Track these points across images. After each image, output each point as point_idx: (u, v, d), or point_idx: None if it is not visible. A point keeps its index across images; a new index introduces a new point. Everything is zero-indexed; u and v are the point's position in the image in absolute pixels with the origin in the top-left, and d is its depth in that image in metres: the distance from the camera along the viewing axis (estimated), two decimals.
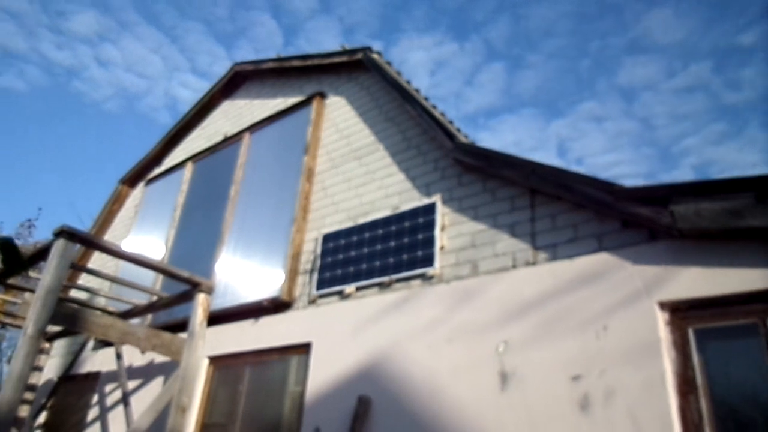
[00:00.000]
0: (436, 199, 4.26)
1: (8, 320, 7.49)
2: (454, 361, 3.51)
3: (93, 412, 6.27)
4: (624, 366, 2.83)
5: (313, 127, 5.82)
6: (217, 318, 5.33)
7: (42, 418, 6.92)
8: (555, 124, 33.65)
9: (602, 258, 3.19)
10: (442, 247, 4.03)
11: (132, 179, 8.94)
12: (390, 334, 3.95)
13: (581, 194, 3.35)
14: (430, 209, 4.24)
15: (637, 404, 2.71)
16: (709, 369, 2.64)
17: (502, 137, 32.47)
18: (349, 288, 4.44)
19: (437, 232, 4.08)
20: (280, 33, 37.32)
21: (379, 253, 4.38)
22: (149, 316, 6.18)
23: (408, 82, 5.40)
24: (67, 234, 4.08)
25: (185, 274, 4.85)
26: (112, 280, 5.26)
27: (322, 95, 6.09)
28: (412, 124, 4.91)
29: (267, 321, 4.98)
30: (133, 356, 6.04)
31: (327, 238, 4.90)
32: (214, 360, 5.29)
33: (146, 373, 5.85)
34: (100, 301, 6.77)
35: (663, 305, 2.86)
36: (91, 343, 7.03)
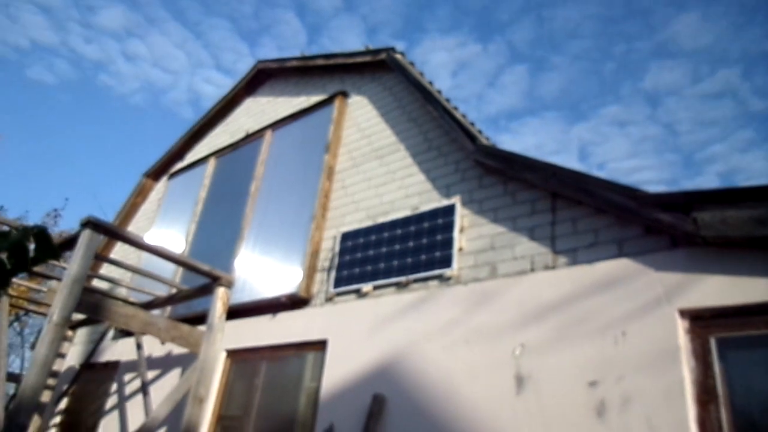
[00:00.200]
0: (456, 200, 4.26)
1: (32, 307, 7.68)
2: (471, 363, 3.52)
3: (112, 400, 6.40)
4: (642, 373, 2.81)
5: (334, 125, 5.86)
6: (235, 312, 5.40)
7: (63, 404, 7.08)
8: (577, 128, 33.33)
9: (623, 264, 3.17)
10: (460, 249, 4.04)
11: (156, 173, 9.09)
12: (406, 333, 3.97)
13: (603, 199, 3.33)
14: (449, 210, 4.25)
15: (654, 412, 2.69)
16: (729, 378, 2.60)
17: (524, 140, 32.26)
18: (366, 287, 4.47)
19: (456, 233, 4.09)
20: (303, 31, 37.57)
21: (398, 253, 4.40)
22: (168, 308, 6.28)
23: (430, 83, 5.41)
24: (93, 225, 4.18)
25: (206, 267, 4.93)
26: (135, 270, 5.36)
27: (345, 94, 6.12)
28: (433, 125, 4.92)
29: (284, 317, 5.03)
30: (153, 347, 6.15)
31: (346, 236, 4.93)
32: (232, 353, 5.36)
33: (165, 364, 5.95)
34: (122, 292, 6.90)
35: (683, 313, 2.83)
36: (111, 333, 7.17)
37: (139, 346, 5.68)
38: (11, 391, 8.80)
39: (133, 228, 8.88)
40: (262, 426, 4.69)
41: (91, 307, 4.29)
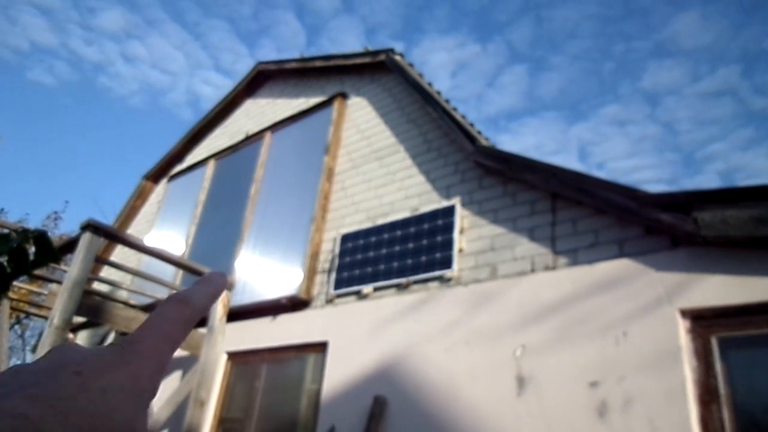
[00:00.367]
0: (456, 201, 4.26)
1: (33, 310, 7.67)
2: (471, 364, 3.51)
3: None
4: (643, 373, 2.81)
5: (334, 127, 5.86)
6: (235, 314, 5.40)
7: None
8: (577, 128, 33.30)
9: (623, 264, 3.17)
10: (460, 250, 4.04)
11: (155, 175, 9.09)
12: (407, 335, 3.96)
13: (603, 199, 3.33)
14: (449, 211, 4.24)
15: (656, 412, 2.68)
16: (731, 378, 2.60)
17: (524, 140, 32.22)
18: (366, 288, 4.47)
19: (456, 234, 4.09)
20: (303, 32, 37.56)
21: (398, 255, 4.40)
22: None
23: (429, 84, 5.41)
24: (93, 228, 4.18)
25: (205, 269, 4.92)
26: (135, 273, 5.36)
27: (344, 96, 6.13)
28: (433, 126, 4.92)
29: (285, 319, 5.03)
30: None
31: (346, 238, 4.93)
32: (233, 356, 5.36)
33: None
34: (122, 294, 6.90)
35: (685, 313, 2.83)
36: (112, 336, 7.16)
37: None
38: None
39: (133, 231, 8.88)
40: (263, 428, 4.69)
41: (92, 310, 4.28)
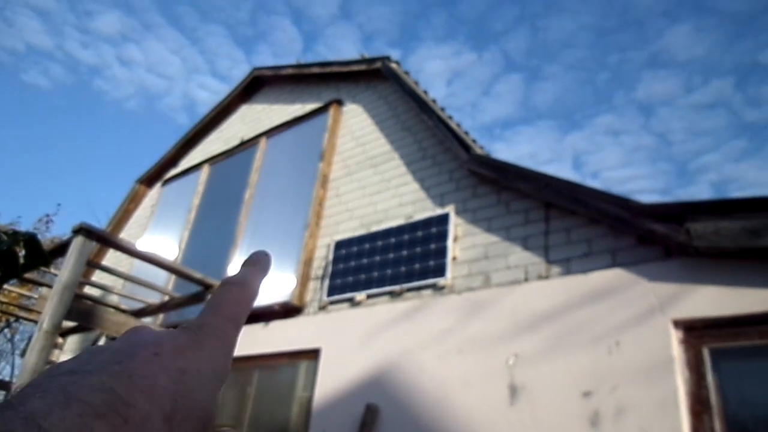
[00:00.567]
0: (450, 209, 4.26)
1: (23, 314, 7.60)
2: (464, 373, 3.50)
3: None
4: (636, 383, 2.81)
5: (329, 133, 5.87)
6: None
7: None
8: (571, 137, 33.50)
9: (616, 274, 3.17)
10: (454, 258, 4.04)
11: (149, 179, 9.05)
12: (400, 343, 3.95)
13: (596, 209, 3.34)
14: (443, 219, 4.25)
15: (648, 422, 2.68)
16: (723, 389, 2.61)
17: (518, 149, 32.38)
18: (359, 295, 4.45)
19: (450, 242, 4.09)
20: (299, 39, 37.68)
21: (391, 262, 4.39)
22: (161, 316, 6.24)
23: (425, 92, 5.43)
24: (85, 231, 4.14)
25: (198, 275, 4.89)
26: (127, 278, 5.32)
27: (340, 102, 6.14)
28: (428, 134, 4.94)
29: (277, 325, 5.00)
30: None
31: (339, 244, 4.92)
32: None
33: None
34: (113, 299, 6.85)
35: (677, 323, 2.84)
36: (102, 341, 7.10)
37: None
38: (1, 399, 8.68)
39: (125, 235, 8.83)
40: None
41: (82, 314, 4.25)
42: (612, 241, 3.31)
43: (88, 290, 7.65)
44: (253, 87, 7.97)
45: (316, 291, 4.90)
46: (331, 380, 4.21)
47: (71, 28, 29.38)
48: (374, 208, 4.94)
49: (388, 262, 4.42)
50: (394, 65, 5.61)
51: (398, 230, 4.52)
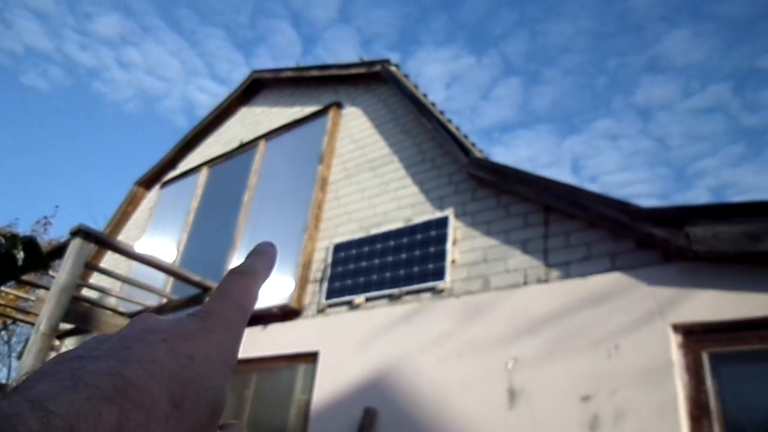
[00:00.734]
0: (449, 212, 4.26)
1: (20, 316, 7.57)
2: (463, 376, 3.50)
3: None
4: (635, 387, 2.80)
5: (328, 136, 5.86)
6: None
7: None
8: (570, 141, 33.55)
9: (615, 277, 3.17)
10: (453, 261, 4.03)
11: (148, 181, 9.04)
12: (398, 346, 3.94)
13: (596, 213, 3.34)
14: (442, 222, 4.24)
15: (648, 427, 2.68)
16: (722, 394, 2.60)
17: (517, 152, 32.41)
18: (358, 298, 4.45)
19: (449, 245, 4.08)
20: (299, 42, 37.70)
21: (390, 265, 4.39)
22: None
23: (424, 96, 5.43)
24: (83, 233, 4.13)
25: (196, 277, 4.89)
26: (124, 280, 5.31)
27: (339, 105, 6.14)
28: (427, 137, 4.94)
29: (275, 328, 4.99)
30: None
31: (338, 247, 4.91)
32: None
33: None
34: (111, 301, 6.83)
35: (676, 328, 2.84)
36: None
37: None
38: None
39: (124, 237, 8.81)
40: None
41: (80, 316, 4.23)
42: (611, 244, 3.31)
43: (85, 292, 7.63)
44: (252, 90, 7.97)
45: (315, 294, 4.89)
46: (329, 383, 4.20)
47: (70, 31, 29.38)
48: (373, 211, 4.93)
49: (387, 266, 4.41)
50: (393, 68, 5.62)
51: (397, 233, 4.51)
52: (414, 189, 4.73)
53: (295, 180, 5.91)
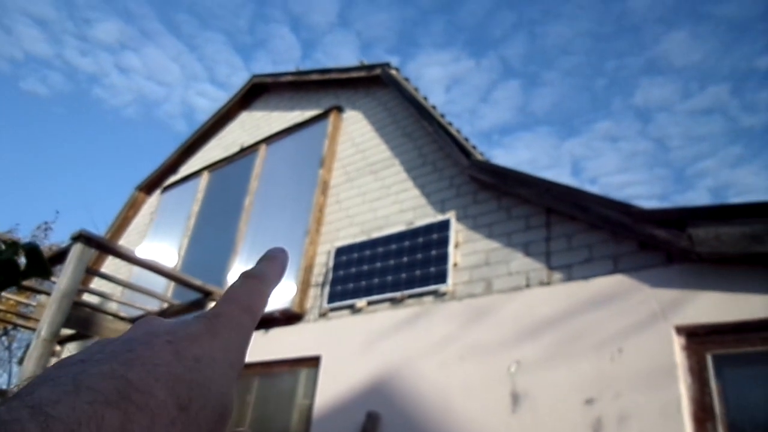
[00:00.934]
0: (451, 215, 4.25)
1: (21, 321, 7.56)
2: (466, 380, 3.48)
3: None
4: (639, 390, 2.79)
5: (329, 140, 5.87)
6: None
7: None
8: (569, 143, 33.57)
9: (618, 280, 3.16)
10: (455, 264, 4.02)
11: (148, 186, 9.04)
12: (401, 350, 3.93)
13: (597, 215, 3.33)
14: (444, 226, 4.24)
15: (651, 430, 2.66)
16: (727, 396, 2.59)
17: (517, 155, 32.42)
18: (360, 302, 4.44)
19: (451, 248, 4.08)
20: (298, 46, 37.79)
21: (392, 268, 4.38)
22: None
23: (425, 99, 5.43)
24: (84, 239, 4.13)
25: (198, 282, 4.88)
26: (126, 285, 5.30)
27: (339, 109, 6.14)
28: (428, 140, 4.93)
29: (277, 332, 4.98)
30: None
31: (340, 251, 4.91)
32: None
33: None
34: (112, 306, 6.82)
35: (680, 330, 2.83)
36: None
37: None
38: None
39: (125, 242, 8.81)
40: None
41: (81, 322, 4.22)
42: (613, 246, 3.30)
43: (86, 297, 7.62)
44: (252, 94, 7.98)
45: (317, 298, 4.88)
46: (331, 388, 4.18)
47: (70, 36, 29.46)
48: (374, 215, 4.93)
49: (388, 269, 4.40)
50: (393, 72, 5.62)
51: (399, 236, 4.51)
52: (415, 192, 4.72)
53: (296, 184, 5.91)
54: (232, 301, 0.30)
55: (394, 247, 4.48)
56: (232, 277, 5.86)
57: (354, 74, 6.14)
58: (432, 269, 4.10)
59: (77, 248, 4.11)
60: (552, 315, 3.31)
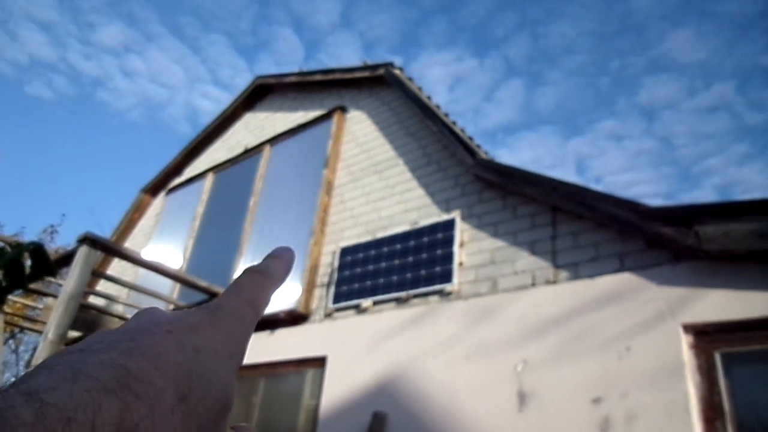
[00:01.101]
0: (456, 215, 4.24)
1: (27, 324, 7.60)
2: (472, 380, 3.47)
3: None
4: (647, 389, 2.77)
5: (333, 140, 5.86)
6: None
7: None
8: (574, 142, 33.47)
9: (625, 278, 3.14)
10: (460, 264, 4.01)
11: (153, 188, 9.06)
12: (407, 349, 3.92)
13: (604, 213, 3.32)
14: (449, 225, 4.23)
15: (660, 429, 2.64)
16: (736, 394, 2.57)
17: (521, 154, 32.35)
18: (365, 302, 4.43)
19: (456, 248, 4.06)
20: (301, 47, 37.87)
21: (397, 268, 4.37)
22: None
23: (429, 98, 5.42)
24: (90, 241, 4.14)
25: (203, 283, 4.89)
26: (132, 287, 5.32)
27: (343, 109, 6.14)
28: (432, 139, 4.93)
29: (283, 333, 4.98)
30: None
31: (345, 251, 4.90)
32: None
33: None
34: (118, 308, 6.84)
35: (687, 328, 2.81)
36: None
37: None
38: None
39: (130, 244, 8.83)
40: None
41: (87, 324, 4.24)
42: (620, 245, 3.28)
43: (92, 300, 7.64)
44: (256, 95, 7.99)
45: (322, 298, 4.88)
46: (337, 388, 4.18)
47: (74, 40, 29.61)
48: (379, 215, 4.92)
49: (393, 269, 4.40)
50: (397, 71, 5.61)
51: (404, 236, 4.50)
52: (420, 192, 4.71)
53: (301, 184, 5.91)
54: (234, 294, 0.30)
55: (399, 246, 4.48)
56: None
57: (357, 74, 6.14)
58: (437, 269, 4.09)
59: (83, 251, 4.12)
60: (558, 314, 3.30)
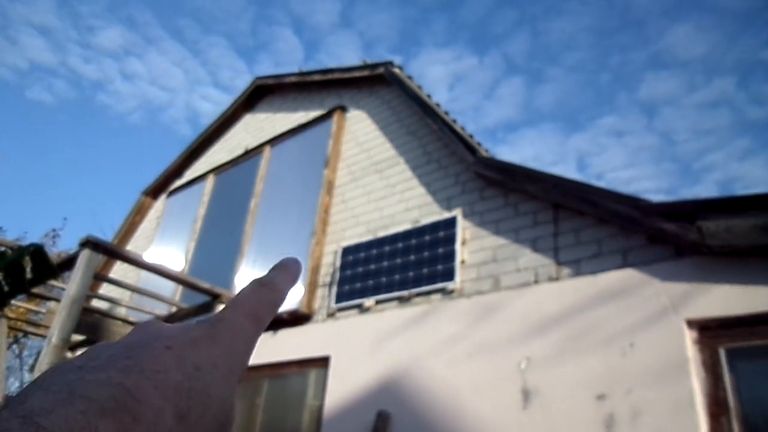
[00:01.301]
0: (457, 213, 4.24)
1: (31, 329, 7.61)
2: (475, 378, 3.47)
3: None
4: (651, 385, 2.76)
5: (333, 140, 5.86)
6: None
7: None
8: (574, 139, 33.39)
9: (627, 274, 3.14)
10: (462, 262, 4.01)
11: (154, 191, 9.07)
12: (410, 348, 3.92)
13: (606, 209, 3.31)
14: (450, 223, 4.22)
15: (665, 425, 2.64)
16: (741, 390, 2.56)
17: (522, 151, 32.30)
18: (368, 301, 4.43)
19: (458, 246, 4.06)
20: (301, 48, 37.85)
21: (399, 267, 4.37)
22: None
23: (429, 96, 5.41)
24: (92, 244, 4.14)
25: (205, 285, 4.89)
26: (134, 290, 5.32)
27: (343, 109, 6.13)
28: (433, 138, 4.92)
29: (286, 333, 4.97)
30: None
31: (347, 251, 4.90)
32: None
33: None
34: (121, 311, 6.84)
35: (691, 323, 2.80)
36: None
37: None
38: None
39: (132, 247, 8.84)
40: None
41: (91, 327, 4.24)
42: (622, 241, 3.27)
43: (95, 303, 7.65)
44: (256, 96, 7.99)
45: (325, 298, 4.87)
46: (341, 388, 4.18)
47: (74, 44, 29.62)
48: (380, 214, 4.92)
49: (396, 268, 4.39)
50: (396, 70, 5.61)
51: (405, 235, 4.49)
52: (421, 190, 4.71)
53: (301, 185, 5.91)
54: (236, 307, 0.29)
55: (400, 245, 4.47)
56: (239, 279, 5.87)
57: (357, 74, 6.13)
58: (439, 267, 4.08)
59: (85, 254, 4.12)
60: (561, 311, 3.29)
